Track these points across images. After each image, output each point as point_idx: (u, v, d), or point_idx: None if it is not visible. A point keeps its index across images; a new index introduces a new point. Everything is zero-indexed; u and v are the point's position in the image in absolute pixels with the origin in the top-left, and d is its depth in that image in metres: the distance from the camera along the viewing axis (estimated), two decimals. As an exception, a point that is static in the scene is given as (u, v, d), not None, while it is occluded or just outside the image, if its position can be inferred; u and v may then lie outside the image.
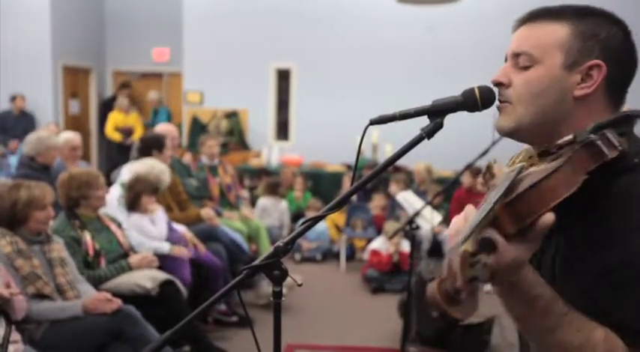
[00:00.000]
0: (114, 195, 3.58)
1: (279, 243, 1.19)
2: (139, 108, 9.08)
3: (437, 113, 1.13)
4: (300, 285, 1.24)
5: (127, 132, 8.26)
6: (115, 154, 8.20)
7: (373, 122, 1.16)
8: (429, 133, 1.13)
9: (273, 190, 6.06)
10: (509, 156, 1.17)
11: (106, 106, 9.15)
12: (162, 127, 4.81)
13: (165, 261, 3.41)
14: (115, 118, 8.32)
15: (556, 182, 0.80)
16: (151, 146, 4.06)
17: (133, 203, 3.56)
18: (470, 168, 2.92)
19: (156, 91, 9.19)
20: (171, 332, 1.24)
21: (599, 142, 0.81)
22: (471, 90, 1.11)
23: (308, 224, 1.20)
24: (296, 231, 1.20)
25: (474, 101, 1.10)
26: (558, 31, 0.99)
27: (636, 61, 1.01)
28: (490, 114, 2.62)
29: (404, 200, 3.07)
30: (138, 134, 7.83)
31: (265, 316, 3.45)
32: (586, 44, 0.97)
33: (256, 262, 1.21)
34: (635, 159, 0.88)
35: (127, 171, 3.78)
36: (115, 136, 8.29)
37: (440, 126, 1.13)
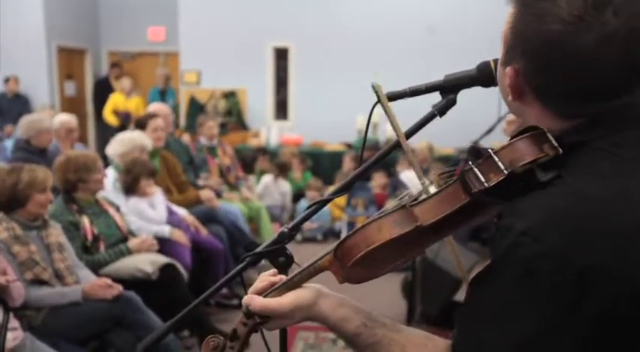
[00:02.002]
0: (109, 179, 3.51)
1: (284, 229, 1.14)
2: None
3: (449, 89, 1.07)
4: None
5: (125, 116, 7.93)
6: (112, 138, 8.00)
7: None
8: (440, 110, 1.07)
9: (282, 171, 6.01)
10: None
11: (100, 87, 8.93)
12: (153, 106, 4.73)
13: (165, 245, 3.36)
14: (115, 100, 8.07)
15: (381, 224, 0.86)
16: (137, 125, 4.03)
17: (130, 186, 3.49)
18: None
19: (164, 68, 8.94)
20: (174, 320, 1.20)
21: (465, 178, 0.79)
22: (486, 63, 1.04)
23: (314, 208, 1.14)
24: (301, 216, 1.15)
25: (490, 75, 1.03)
26: (506, 22, 0.83)
27: (582, 68, 0.75)
28: (494, 89, 2.54)
29: (408, 179, 3.01)
30: None
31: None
32: (514, 43, 0.80)
33: (260, 248, 1.16)
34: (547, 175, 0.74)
35: (111, 152, 3.68)
36: (112, 120, 8.01)
37: (453, 102, 1.07)
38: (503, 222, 0.74)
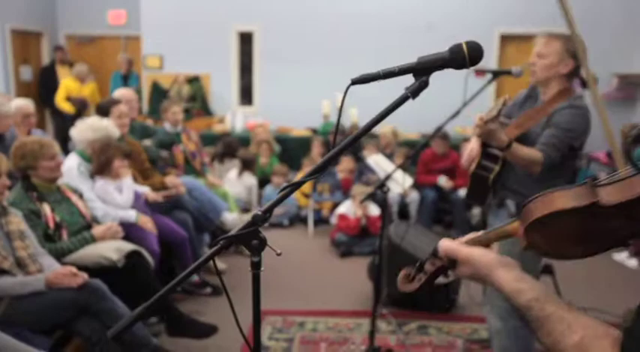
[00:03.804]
0: (73, 165, 3.41)
1: (257, 211, 1.13)
2: (94, 76, 8.59)
3: (422, 71, 1.07)
4: (279, 254, 1.18)
5: (81, 103, 7.52)
6: (68, 127, 7.36)
7: (355, 81, 1.09)
8: (414, 92, 1.07)
9: (246, 166, 5.94)
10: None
11: (46, 73, 8.40)
12: (118, 92, 4.61)
13: (132, 232, 3.29)
14: (67, 86, 7.62)
15: None
16: (99, 112, 3.91)
17: (102, 168, 3.40)
18: (439, 130, 2.88)
19: (126, 52, 8.67)
20: (144, 306, 1.18)
21: None
22: (459, 45, 1.04)
23: (286, 191, 1.13)
24: (275, 199, 1.14)
25: (462, 57, 1.04)
26: None
27: None
28: (458, 75, 2.56)
29: (375, 163, 3.02)
30: (93, 108, 7.16)
31: (235, 283, 3.41)
32: None
33: (234, 231, 1.15)
34: None
35: (79, 138, 3.55)
36: (66, 107, 7.54)
37: (425, 84, 1.07)
38: None
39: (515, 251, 2.50)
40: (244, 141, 6.64)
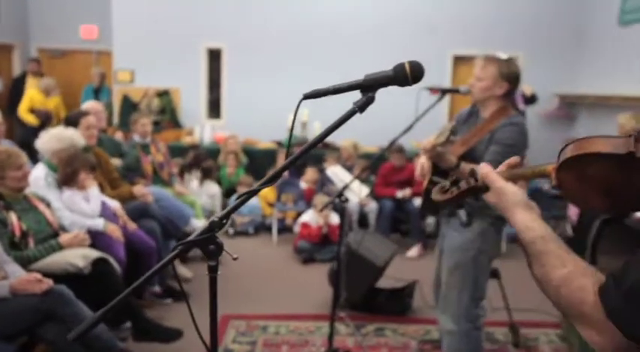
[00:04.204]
0: (40, 175, 3.32)
1: (214, 218, 1.14)
2: (66, 89, 8.35)
3: (369, 87, 1.10)
4: (235, 259, 1.19)
5: (44, 115, 7.15)
6: (30, 138, 6.44)
7: (307, 96, 1.12)
8: (361, 107, 1.10)
9: (206, 175, 5.89)
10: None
11: (17, 84, 8.04)
12: (87, 104, 4.53)
13: (98, 240, 3.22)
14: (32, 97, 7.25)
15: None
16: (67, 123, 3.82)
17: (68, 179, 3.32)
18: (394, 144, 2.93)
19: (99, 67, 8.46)
20: (103, 310, 1.16)
21: None
22: (402, 65, 1.09)
23: (242, 198, 1.14)
24: (231, 206, 1.15)
25: (405, 75, 1.08)
26: None
27: None
28: (413, 93, 2.61)
29: (333, 174, 3.05)
30: (57, 122, 6.80)
31: (200, 290, 3.37)
32: None
33: (191, 237, 1.15)
34: None
35: (45, 148, 3.47)
36: (29, 118, 7.15)
37: (372, 100, 1.10)
38: None
39: (467, 257, 2.56)
40: (212, 152, 6.60)
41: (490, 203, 1.08)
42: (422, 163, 2.56)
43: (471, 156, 2.45)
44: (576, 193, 0.96)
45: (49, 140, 3.39)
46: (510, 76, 2.43)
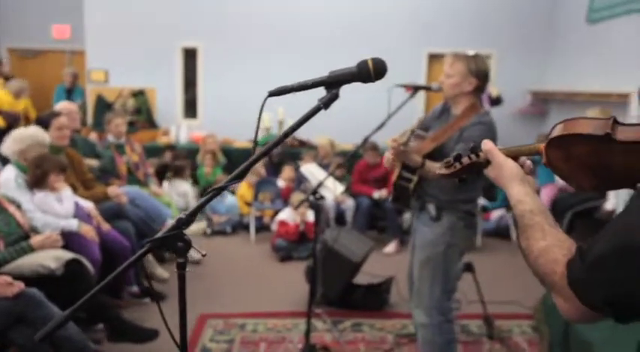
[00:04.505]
0: (10, 176, 3.26)
1: (182, 215, 1.14)
2: (38, 90, 8.13)
3: (333, 84, 1.12)
4: (204, 256, 1.19)
5: (12, 117, 6.85)
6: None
7: (272, 93, 1.13)
8: (325, 103, 1.11)
9: (176, 173, 5.85)
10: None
11: None
12: (59, 105, 4.45)
13: (72, 241, 3.18)
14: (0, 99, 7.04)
15: None
16: (38, 124, 3.76)
17: (38, 181, 3.26)
18: (367, 141, 2.96)
19: (71, 67, 8.28)
20: (71, 309, 1.16)
21: None
22: (365, 61, 1.10)
23: (209, 195, 1.15)
24: (198, 203, 1.16)
25: (368, 72, 1.10)
26: None
27: None
28: (392, 90, 2.63)
29: (308, 172, 3.06)
30: (26, 124, 6.38)
31: (177, 290, 3.35)
32: None
33: (159, 235, 1.15)
34: None
35: (8, 150, 3.42)
36: None
37: (336, 96, 1.12)
38: None
39: (437, 251, 2.60)
40: (189, 152, 6.56)
41: (490, 177, 1.15)
42: (387, 157, 2.60)
43: (441, 152, 2.48)
44: (565, 171, 1.03)
45: (10, 142, 3.34)
46: (479, 72, 2.46)
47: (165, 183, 5.79)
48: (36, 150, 3.30)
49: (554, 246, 0.96)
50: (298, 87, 1.12)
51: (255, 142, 1.17)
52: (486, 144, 1.15)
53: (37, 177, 3.20)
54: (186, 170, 5.98)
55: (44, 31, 8.94)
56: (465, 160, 1.20)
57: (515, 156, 1.12)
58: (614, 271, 0.83)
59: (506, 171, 1.10)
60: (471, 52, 2.52)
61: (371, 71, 1.09)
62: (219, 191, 1.14)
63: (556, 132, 1.00)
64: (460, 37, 7.40)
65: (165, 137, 7.24)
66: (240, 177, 1.14)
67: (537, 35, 7.64)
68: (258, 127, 1.13)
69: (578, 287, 0.88)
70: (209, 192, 1.15)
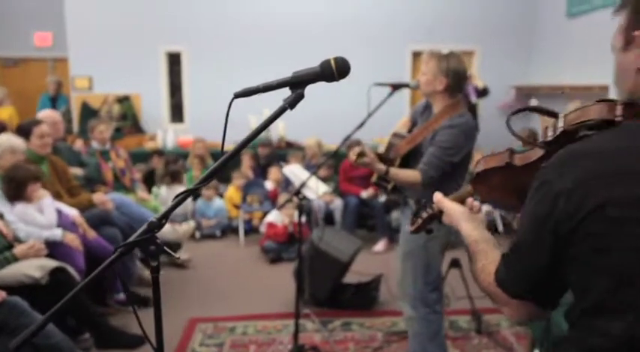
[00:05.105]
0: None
1: (153, 218, 1.15)
2: (21, 99, 8.07)
3: (297, 84, 1.13)
4: (178, 259, 1.20)
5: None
6: None
7: (238, 95, 1.14)
8: (291, 104, 1.13)
9: (174, 178, 5.84)
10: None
11: None
12: (42, 113, 4.44)
13: (57, 249, 3.17)
14: None
15: None
16: (19, 133, 3.73)
17: (16, 193, 3.24)
18: (348, 140, 2.97)
19: (54, 75, 8.23)
20: (46, 316, 1.16)
21: None
22: (328, 61, 1.12)
23: (180, 198, 1.16)
24: (170, 205, 1.17)
25: (331, 71, 1.11)
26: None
27: None
28: (380, 89, 2.65)
29: (290, 173, 3.07)
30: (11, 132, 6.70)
31: (165, 295, 3.35)
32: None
33: (131, 238, 1.16)
34: None
35: None
36: None
37: (301, 96, 1.13)
38: None
39: (418, 243, 2.62)
40: (177, 157, 6.55)
41: (445, 222, 1.33)
42: (350, 158, 2.67)
43: (417, 153, 2.53)
44: (496, 200, 1.26)
45: None
46: (449, 71, 2.43)
47: (164, 189, 5.78)
48: (9, 157, 3.26)
49: (490, 263, 1.09)
50: (264, 88, 1.14)
51: (223, 144, 1.18)
52: (435, 196, 1.34)
53: (13, 189, 3.17)
54: (183, 174, 5.98)
55: (26, 39, 8.88)
56: (424, 214, 1.43)
57: (460, 200, 1.31)
58: (519, 263, 0.98)
59: (455, 214, 1.28)
60: (445, 51, 2.53)
61: (334, 70, 1.11)
62: (190, 193, 1.16)
63: (476, 171, 1.22)
64: (443, 35, 7.45)
65: (152, 142, 7.22)
66: (207, 180, 1.15)
67: (519, 30, 7.71)
68: (225, 129, 1.14)
69: (503, 285, 1.02)
70: (180, 195, 1.16)
